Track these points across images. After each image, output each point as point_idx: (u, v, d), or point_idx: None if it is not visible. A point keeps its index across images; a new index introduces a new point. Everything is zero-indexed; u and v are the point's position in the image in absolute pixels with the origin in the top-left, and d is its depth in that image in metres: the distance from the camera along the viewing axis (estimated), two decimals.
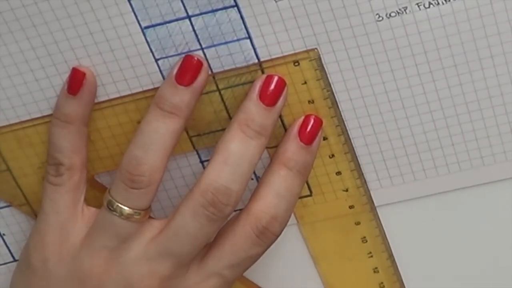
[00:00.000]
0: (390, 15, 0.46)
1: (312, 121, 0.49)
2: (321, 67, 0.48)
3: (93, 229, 0.49)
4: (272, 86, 0.48)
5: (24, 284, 0.50)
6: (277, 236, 0.48)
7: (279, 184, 0.48)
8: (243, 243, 0.48)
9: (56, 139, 0.49)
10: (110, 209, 0.47)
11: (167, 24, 0.47)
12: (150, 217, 0.49)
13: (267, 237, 0.48)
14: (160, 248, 0.48)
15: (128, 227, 0.48)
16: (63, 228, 0.49)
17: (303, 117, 0.49)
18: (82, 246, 0.49)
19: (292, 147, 0.48)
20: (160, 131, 0.47)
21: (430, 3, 0.46)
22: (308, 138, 0.49)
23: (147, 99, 0.49)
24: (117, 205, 0.47)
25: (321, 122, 0.49)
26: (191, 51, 0.48)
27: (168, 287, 0.48)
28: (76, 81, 0.48)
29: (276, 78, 0.48)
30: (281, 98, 0.48)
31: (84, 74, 0.48)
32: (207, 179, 0.47)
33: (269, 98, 0.47)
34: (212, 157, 0.47)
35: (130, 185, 0.47)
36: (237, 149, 0.47)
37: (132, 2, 0.47)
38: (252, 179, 0.51)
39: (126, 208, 0.47)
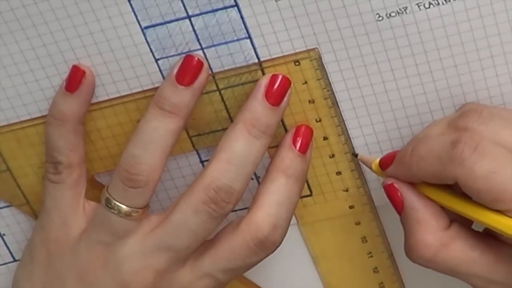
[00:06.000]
0: (390, 15, 0.46)
1: (304, 131, 0.49)
2: (321, 67, 0.48)
3: (91, 225, 0.49)
4: (277, 85, 0.48)
5: (27, 278, 0.50)
6: (277, 246, 0.48)
7: (280, 192, 0.48)
8: (241, 252, 0.48)
9: (53, 138, 0.49)
10: (108, 206, 0.48)
11: (167, 24, 0.47)
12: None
13: (267, 246, 0.48)
14: (158, 242, 0.48)
15: (125, 224, 0.48)
16: (65, 224, 0.49)
17: (295, 127, 0.50)
18: (81, 239, 0.49)
19: (290, 155, 0.49)
20: (159, 130, 0.47)
21: (430, 3, 0.46)
22: (302, 147, 0.49)
23: (147, 99, 0.49)
24: (115, 203, 0.47)
25: (312, 131, 0.50)
26: (191, 51, 0.48)
27: (163, 281, 0.48)
28: (75, 78, 0.48)
29: (281, 77, 0.48)
30: (286, 97, 0.48)
31: (84, 72, 0.48)
32: (210, 176, 0.47)
33: (275, 97, 0.47)
34: (215, 154, 0.47)
35: (127, 184, 0.47)
36: (242, 149, 0.47)
37: (132, 2, 0.47)
38: (252, 178, 0.51)
39: (124, 206, 0.47)
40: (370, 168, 0.49)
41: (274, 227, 0.48)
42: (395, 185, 0.47)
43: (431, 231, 0.45)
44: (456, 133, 0.44)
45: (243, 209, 0.51)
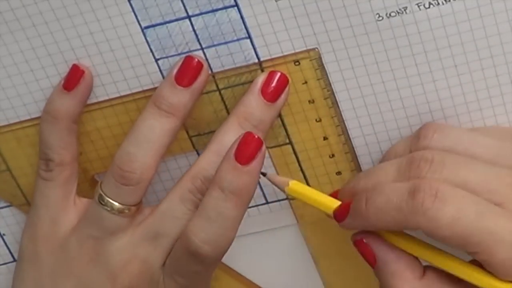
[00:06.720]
0: (390, 14, 0.46)
1: (251, 141, 0.45)
2: (321, 67, 0.48)
3: (83, 220, 0.49)
4: (274, 82, 0.48)
5: (20, 276, 0.50)
6: (214, 259, 0.47)
7: (209, 206, 0.46)
8: (182, 258, 0.47)
9: (46, 135, 0.49)
10: (101, 203, 0.48)
11: (167, 24, 0.48)
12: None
13: (201, 259, 0.47)
14: (146, 231, 0.48)
15: (118, 221, 0.48)
16: (54, 221, 0.49)
17: (243, 135, 0.46)
18: (72, 235, 0.49)
19: (225, 167, 0.45)
20: (155, 129, 0.47)
21: (430, 3, 0.46)
22: (245, 158, 0.45)
23: (147, 99, 0.49)
24: (108, 200, 0.47)
25: (262, 143, 0.45)
26: (191, 51, 0.48)
27: (147, 273, 0.48)
28: (74, 77, 0.48)
29: (278, 75, 0.48)
30: (283, 95, 0.48)
31: (83, 72, 0.48)
32: (198, 167, 0.47)
33: (271, 94, 0.47)
34: (207, 146, 0.48)
35: (120, 181, 0.47)
36: (231, 141, 0.46)
37: (132, 2, 0.47)
38: None
39: (116, 203, 0.47)
40: (283, 190, 0.47)
41: (202, 241, 0.46)
42: (364, 240, 0.46)
43: (407, 282, 0.44)
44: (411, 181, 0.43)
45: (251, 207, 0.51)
